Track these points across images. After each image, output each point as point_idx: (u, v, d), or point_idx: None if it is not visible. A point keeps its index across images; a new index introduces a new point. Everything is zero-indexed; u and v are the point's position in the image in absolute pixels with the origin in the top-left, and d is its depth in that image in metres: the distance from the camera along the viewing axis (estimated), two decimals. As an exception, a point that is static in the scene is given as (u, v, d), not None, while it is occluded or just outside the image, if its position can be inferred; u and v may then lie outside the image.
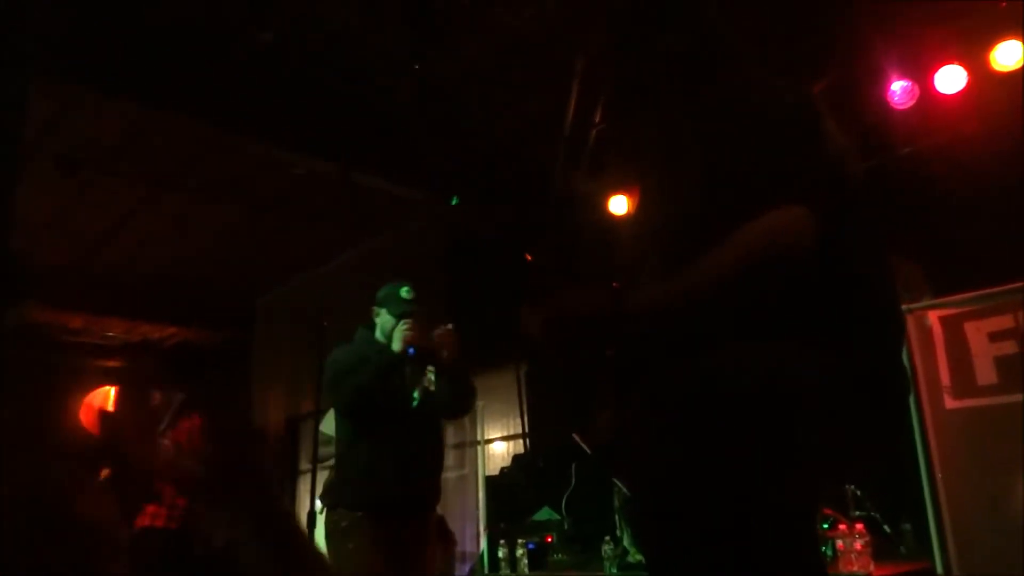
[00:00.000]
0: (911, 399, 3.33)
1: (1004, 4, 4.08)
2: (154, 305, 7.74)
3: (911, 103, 4.40)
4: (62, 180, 5.28)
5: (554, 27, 4.39)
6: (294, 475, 7.62)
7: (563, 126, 5.02)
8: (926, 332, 3.62)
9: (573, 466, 4.92)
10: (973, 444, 3.41)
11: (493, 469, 6.12)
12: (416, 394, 3.07)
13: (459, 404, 3.26)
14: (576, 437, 4.10)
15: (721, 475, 1.15)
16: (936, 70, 4.31)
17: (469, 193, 5.35)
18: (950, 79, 4.29)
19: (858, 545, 3.36)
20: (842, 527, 3.47)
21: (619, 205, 5.34)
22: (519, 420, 6.21)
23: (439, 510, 3.34)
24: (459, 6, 4.13)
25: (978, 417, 3.41)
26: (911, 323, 3.56)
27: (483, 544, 5.26)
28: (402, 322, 3.02)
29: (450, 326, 3.11)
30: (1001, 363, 3.42)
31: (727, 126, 1.32)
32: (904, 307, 2.38)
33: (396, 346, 3.01)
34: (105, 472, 4.70)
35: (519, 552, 4.74)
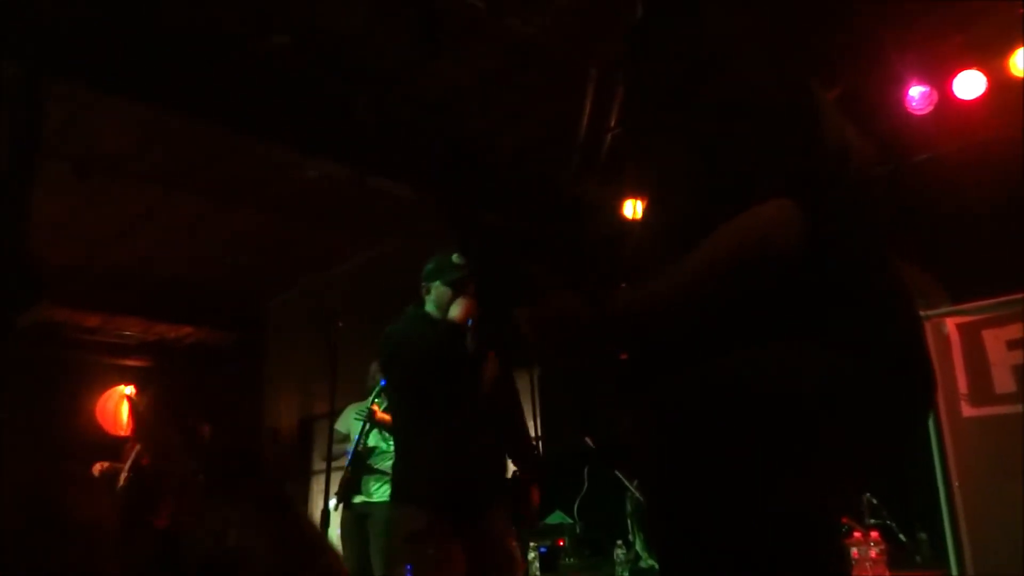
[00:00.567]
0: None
1: (1023, 10, 4.04)
2: (169, 305, 7.80)
3: (929, 109, 4.37)
4: (78, 182, 5.33)
5: (568, 34, 4.39)
6: (308, 474, 7.65)
7: (577, 132, 5.02)
8: (943, 339, 3.59)
9: (585, 470, 4.91)
10: (991, 453, 3.38)
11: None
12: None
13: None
14: (588, 441, 4.09)
15: (736, 482, 1.14)
16: (955, 75, 4.28)
17: (482, 198, 5.36)
18: (969, 85, 4.26)
19: (873, 553, 3.34)
20: (857, 535, 3.45)
21: (632, 210, 5.34)
22: (533, 423, 6.21)
23: None
24: (473, 13, 4.13)
25: (996, 425, 3.38)
26: (928, 330, 3.53)
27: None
28: (459, 296, 2.77)
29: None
30: (1019, 371, 3.39)
31: (719, 124, 1.31)
32: (921, 313, 2.36)
33: (455, 313, 2.74)
34: (99, 467, 4.72)
35: (531, 556, 4.74)
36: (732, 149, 1.25)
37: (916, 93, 4.38)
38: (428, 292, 2.89)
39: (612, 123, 5.05)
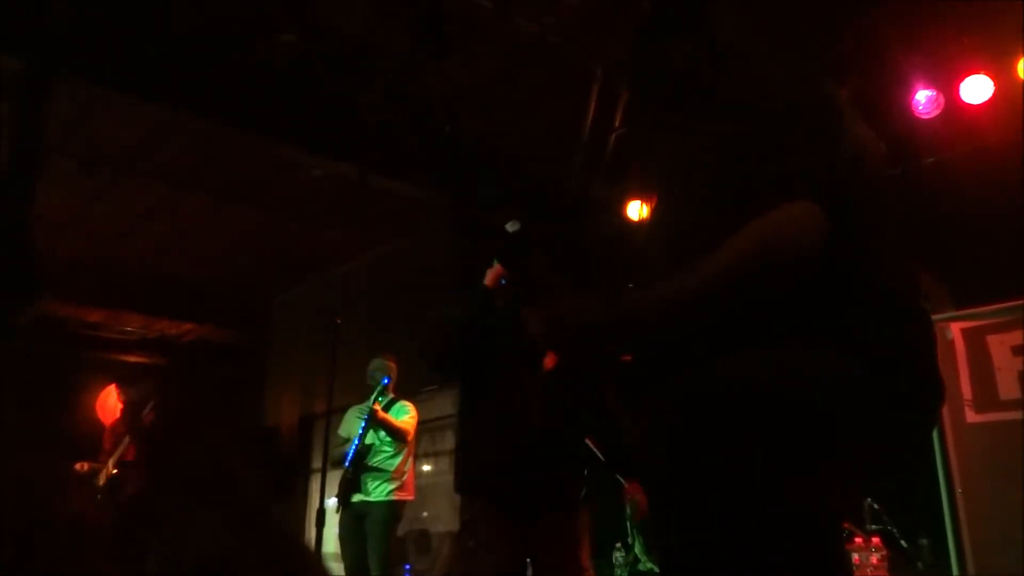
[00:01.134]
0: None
1: (1032, 14, 4.02)
2: (172, 302, 7.82)
3: (936, 112, 4.35)
4: (84, 179, 5.35)
5: (574, 33, 4.38)
6: (308, 472, 7.65)
7: (582, 131, 5.01)
8: (947, 344, 3.57)
9: (584, 471, 4.89)
10: (995, 459, 3.36)
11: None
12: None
13: None
14: (589, 442, 4.07)
15: (738, 483, 1.13)
16: (962, 80, 4.26)
17: (487, 198, 5.35)
18: (976, 89, 4.24)
19: (874, 559, 3.32)
20: (858, 541, 3.43)
21: (637, 210, 5.33)
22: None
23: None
24: (479, 12, 4.13)
25: (1000, 432, 3.36)
26: (932, 335, 3.51)
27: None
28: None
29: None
30: (1024, 377, 3.36)
31: (740, 124, 1.30)
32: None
33: (486, 280, 2.57)
34: (82, 466, 4.71)
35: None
36: (754, 150, 1.24)
37: (923, 97, 4.36)
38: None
39: (617, 124, 5.04)
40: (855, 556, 3.35)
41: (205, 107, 4.50)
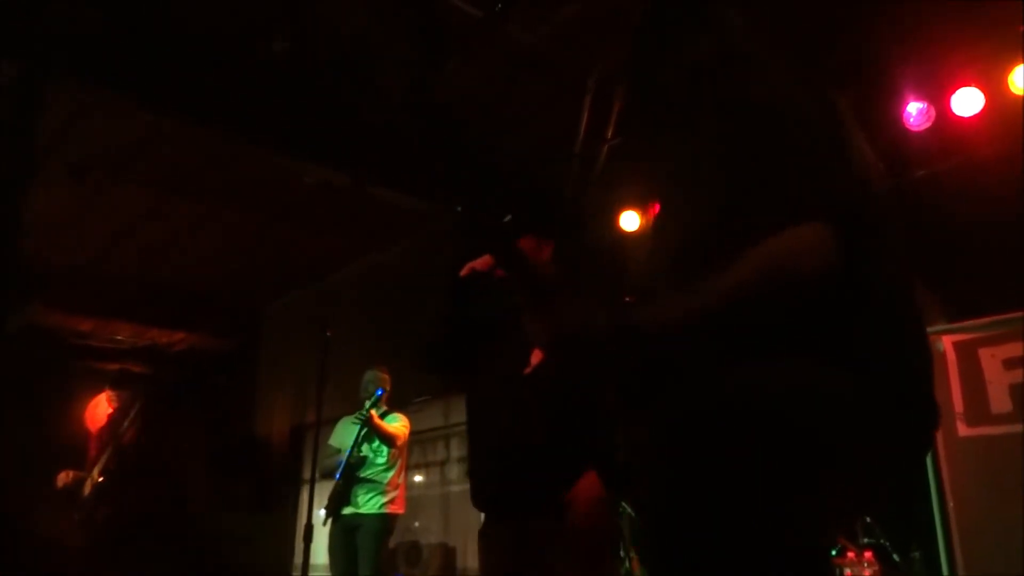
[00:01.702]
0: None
1: (1023, 28, 4.04)
2: (163, 310, 7.76)
3: (927, 125, 4.36)
4: (74, 185, 5.31)
5: (568, 44, 4.38)
6: (298, 483, 7.60)
7: (574, 142, 5.01)
8: (939, 357, 3.56)
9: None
10: (986, 473, 3.36)
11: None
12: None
13: None
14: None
15: (734, 500, 1.12)
16: (953, 92, 4.27)
17: (478, 207, 5.33)
18: (967, 102, 4.25)
19: (867, 573, 3.30)
20: (850, 555, 3.41)
21: (630, 221, 5.32)
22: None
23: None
24: (473, 22, 4.13)
25: (992, 446, 3.36)
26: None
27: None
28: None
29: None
30: (1016, 391, 3.36)
31: (751, 137, 1.28)
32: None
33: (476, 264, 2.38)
34: (67, 475, 4.64)
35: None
36: (765, 164, 1.22)
37: (914, 109, 4.37)
38: None
39: (609, 134, 5.04)
40: (847, 571, 3.33)
41: (198, 113, 4.48)
